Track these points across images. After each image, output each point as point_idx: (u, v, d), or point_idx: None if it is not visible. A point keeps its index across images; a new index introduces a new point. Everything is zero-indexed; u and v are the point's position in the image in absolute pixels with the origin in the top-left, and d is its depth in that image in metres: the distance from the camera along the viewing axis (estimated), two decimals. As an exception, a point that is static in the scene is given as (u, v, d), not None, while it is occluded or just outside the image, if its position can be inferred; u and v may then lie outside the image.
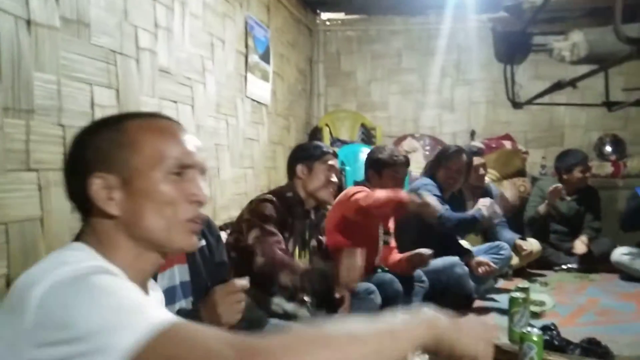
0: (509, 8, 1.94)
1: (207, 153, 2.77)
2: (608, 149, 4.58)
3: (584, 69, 1.85)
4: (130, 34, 2.03)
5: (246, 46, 3.28)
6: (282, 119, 4.16)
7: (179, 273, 1.43)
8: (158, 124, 0.85)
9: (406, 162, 2.70)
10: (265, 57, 3.59)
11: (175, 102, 2.41)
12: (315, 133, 4.82)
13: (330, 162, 2.09)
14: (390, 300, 2.34)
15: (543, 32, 2.23)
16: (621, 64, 1.51)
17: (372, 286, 2.22)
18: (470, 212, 2.93)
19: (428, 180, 3.07)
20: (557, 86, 1.92)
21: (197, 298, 1.46)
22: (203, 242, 1.52)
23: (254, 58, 3.39)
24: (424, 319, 0.76)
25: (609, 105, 2.53)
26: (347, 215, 2.44)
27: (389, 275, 2.46)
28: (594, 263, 3.65)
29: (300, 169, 2.06)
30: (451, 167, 3.05)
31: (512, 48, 2.28)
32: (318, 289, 1.66)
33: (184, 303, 1.44)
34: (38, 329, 0.63)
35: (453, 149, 3.18)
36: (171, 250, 0.87)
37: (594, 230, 3.79)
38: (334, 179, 2.09)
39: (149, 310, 0.65)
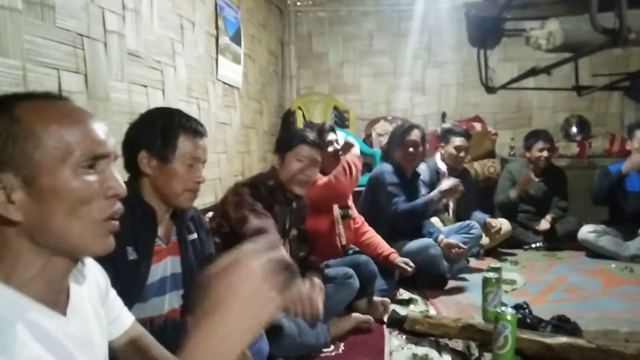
0: (484, -7, 1.95)
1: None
2: (574, 129, 4.71)
3: (553, 53, 1.87)
4: (97, 17, 1.95)
5: (216, 28, 3.20)
6: (255, 102, 4.11)
7: (171, 264, 1.42)
8: (57, 109, 0.72)
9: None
10: (236, 39, 3.52)
11: (145, 86, 2.34)
12: (288, 116, 4.78)
13: (302, 153, 2.02)
14: (366, 281, 2.37)
15: (517, 18, 2.25)
16: (596, 52, 1.54)
17: (350, 271, 2.23)
18: (421, 199, 2.98)
19: (386, 167, 3.07)
20: (532, 72, 1.95)
21: (187, 290, 1.46)
22: (195, 235, 1.52)
23: (224, 40, 3.32)
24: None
25: (579, 89, 2.59)
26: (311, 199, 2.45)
27: (363, 257, 2.48)
28: (560, 241, 3.77)
29: (275, 159, 2.06)
30: (406, 144, 3.04)
31: (486, 33, 2.30)
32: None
33: (174, 294, 1.43)
34: None
35: (405, 126, 3.18)
36: (84, 255, 0.77)
37: (561, 209, 3.90)
38: (304, 170, 2.02)
39: None
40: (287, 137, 2.12)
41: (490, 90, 2.51)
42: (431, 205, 2.94)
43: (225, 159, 3.41)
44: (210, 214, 2.48)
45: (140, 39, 2.28)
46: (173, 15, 2.63)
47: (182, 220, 1.48)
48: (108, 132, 0.76)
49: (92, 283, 0.85)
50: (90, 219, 0.71)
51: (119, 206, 0.75)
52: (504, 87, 2.49)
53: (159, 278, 1.37)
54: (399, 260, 2.63)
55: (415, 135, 3.05)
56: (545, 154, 3.87)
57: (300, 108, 4.72)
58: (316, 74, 5.17)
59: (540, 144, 3.89)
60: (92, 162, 0.71)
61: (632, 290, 2.83)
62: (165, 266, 1.39)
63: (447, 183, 2.99)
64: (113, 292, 0.94)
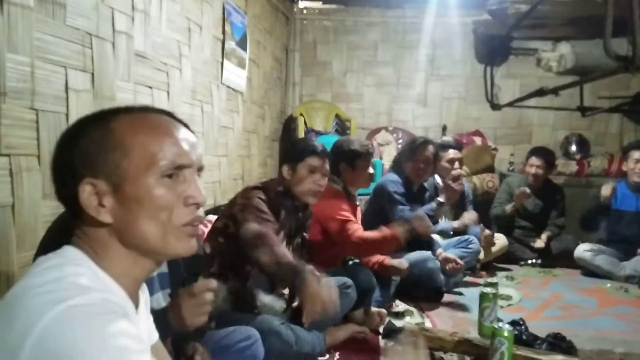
0: (494, 12, 1.95)
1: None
2: (573, 148, 4.73)
3: (557, 73, 1.89)
4: (106, 16, 1.96)
5: (223, 32, 3.21)
6: (257, 107, 4.12)
7: None
8: (147, 121, 0.78)
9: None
10: (241, 44, 3.54)
11: (150, 87, 2.35)
12: (290, 123, 4.79)
13: (313, 165, 2.02)
14: (365, 292, 2.36)
15: (525, 37, 2.26)
16: (606, 77, 1.55)
17: (348, 281, 2.23)
18: (425, 208, 3.01)
19: (393, 177, 3.09)
20: (540, 92, 1.96)
21: (174, 289, 1.44)
22: None
23: (230, 44, 3.33)
24: None
25: (583, 110, 2.60)
26: (328, 229, 2.45)
27: (362, 268, 2.48)
28: (555, 259, 3.78)
29: (285, 170, 2.03)
30: (418, 158, 3.05)
31: (494, 51, 2.31)
32: (288, 284, 1.59)
33: (161, 295, 1.42)
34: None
35: (420, 140, 3.17)
36: (167, 257, 0.83)
37: (557, 227, 3.90)
38: (317, 181, 2.03)
39: None
40: (296, 148, 2.09)
41: (495, 107, 2.52)
42: (434, 215, 2.95)
43: (226, 163, 3.41)
44: (210, 216, 2.48)
45: (148, 40, 2.29)
46: (181, 18, 2.64)
47: None
48: (195, 143, 0.81)
49: (144, 294, 0.91)
50: (171, 223, 0.76)
51: (199, 214, 0.79)
52: (510, 104, 2.50)
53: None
54: (393, 261, 2.63)
55: (429, 151, 3.06)
56: (533, 170, 3.89)
57: (302, 115, 4.73)
58: (319, 81, 5.18)
59: (532, 160, 3.93)
60: (175, 171, 0.76)
61: (627, 311, 2.84)
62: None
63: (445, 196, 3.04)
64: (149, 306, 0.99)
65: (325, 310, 1.57)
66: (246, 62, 3.65)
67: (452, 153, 3.44)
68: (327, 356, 2.09)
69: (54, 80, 1.68)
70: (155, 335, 0.98)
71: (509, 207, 3.83)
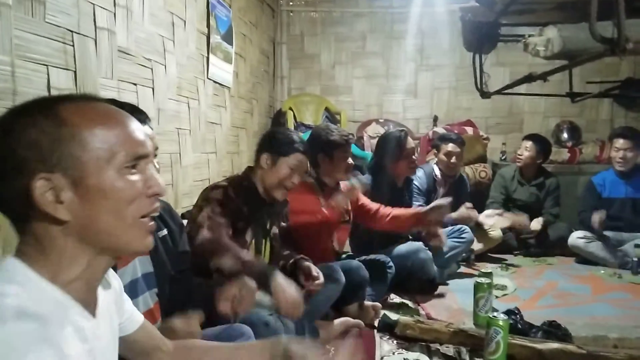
0: (481, -1, 1.94)
1: (168, 137, 2.67)
2: (565, 135, 4.73)
3: (546, 60, 1.86)
4: (87, 13, 1.91)
5: (208, 26, 3.16)
6: (245, 102, 4.08)
7: (140, 265, 1.37)
8: (99, 111, 0.74)
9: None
10: (227, 38, 3.49)
11: (135, 84, 2.30)
12: (279, 117, 4.75)
13: (296, 162, 1.99)
14: (357, 285, 2.35)
15: (513, 24, 2.24)
16: (593, 61, 1.54)
17: (334, 265, 2.22)
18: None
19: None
20: (528, 78, 1.94)
21: (161, 288, 1.43)
22: (165, 232, 1.48)
23: (215, 38, 3.28)
24: None
25: (573, 96, 2.59)
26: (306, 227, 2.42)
27: (355, 262, 2.46)
28: (551, 247, 3.78)
29: (264, 158, 1.98)
30: (408, 153, 2.99)
31: (482, 38, 2.28)
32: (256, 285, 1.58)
33: (148, 295, 1.40)
34: None
35: (396, 134, 3.05)
36: (126, 254, 0.81)
37: (552, 215, 3.91)
38: (294, 179, 2.00)
39: None
40: (282, 140, 2.03)
41: (484, 95, 2.50)
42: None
43: (214, 160, 3.37)
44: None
45: (130, 36, 2.24)
46: (164, 12, 2.59)
47: None
48: (147, 132, 0.80)
49: (110, 287, 0.88)
50: (133, 216, 0.74)
51: (157, 205, 0.78)
52: (499, 92, 2.49)
53: (128, 282, 1.31)
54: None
55: (410, 141, 3.02)
56: (523, 152, 3.93)
57: (291, 109, 4.69)
58: (308, 74, 5.14)
59: (524, 143, 3.99)
60: (135, 162, 0.74)
61: (621, 297, 2.85)
62: (134, 268, 1.35)
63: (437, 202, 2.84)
64: (125, 295, 0.97)
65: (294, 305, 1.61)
66: (232, 56, 3.60)
67: (450, 147, 3.44)
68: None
69: (35, 79, 1.63)
70: (138, 318, 0.98)
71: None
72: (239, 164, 3.87)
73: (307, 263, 2.03)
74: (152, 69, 2.45)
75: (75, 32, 1.83)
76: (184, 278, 1.52)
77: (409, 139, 3.02)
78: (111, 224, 0.72)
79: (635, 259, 3.30)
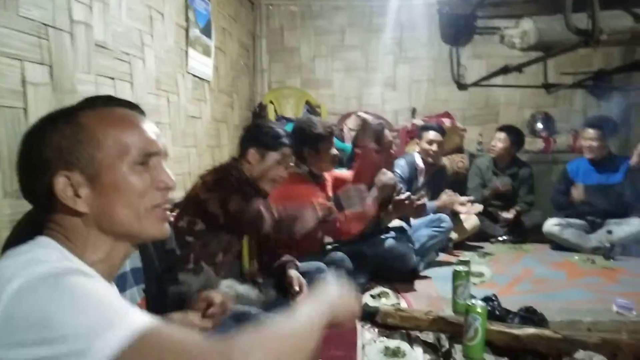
0: (458, -9, 1.96)
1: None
2: (539, 125, 4.82)
3: (521, 52, 1.90)
4: (62, 6, 1.89)
5: (187, 19, 3.14)
6: (226, 95, 4.06)
7: (129, 259, 1.37)
8: (114, 114, 0.83)
9: None
10: (206, 31, 3.47)
11: (112, 78, 2.28)
12: (260, 110, 4.74)
13: (285, 155, 2.02)
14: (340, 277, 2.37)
15: (489, 16, 2.28)
16: (568, 52, 1.58)
17: (322, 265, 2.24)
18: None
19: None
20: (504, 70, 1.98)
21: (148, 284, 1.43)
22: None
23: (194, 32, 3.26)
24: (326, 301, 0.88)
25: (548, 87, 2.64)
26: None
27: (339, 254, 2.49)
28: (527, 234, 3.87)
29: (252, 153, 1.99)
30: (386, 146, 2.92)
31: (459, 30, 2.32)
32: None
33: (135, 290, 1.40)
34: (8, 328, 0.61)
35: (375, 127, 3.01)
36: (143, 239, 0.87)
37: (527, 203, 3.99)
38: (282, 172, 2.03)
39: (129, 313, 0.64)
40: (270, 134, 2.04)
41: (461, 87, 2.54)
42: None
43: (195, 154, 3.36)
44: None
45: (108, 30, 2.22)
46: (142, 6, 2.57)
47: None
48: (158, 132, 0.86)
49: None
50: (145, 208, 0.81)
51: (169, 197, 0.85)
52: (475, 84, 2.53)
53: (116, 275, 1.32)
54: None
55: (389, 134, 3.04)
56: (496, 143, 4.05)
57: (272, 102, 4.68)
58: (288, 68, 5.13)
59: (496, 134, 4.11)
60: (146, 159, 0.82)
61: (594, 282, 2.93)
62: None
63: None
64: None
65: None
66: (212, 50, 3.58)
67: (432, 135, 3.54)
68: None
69: (9, 74, 1.61)
70: None
71: (485, 193, 3.91)
72: (220, 157, 3.86)
73: (292, 273, 2.06)
74: (130, 63, 2.43)
75: (51, 26, 1.81)
76: (170, 276, 1.53)
77: (387, 131, 3.05)
78: (125, 215, 0.80)
79: (608, 245, 3.40)
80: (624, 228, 3.48)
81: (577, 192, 3.63)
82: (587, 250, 3.54)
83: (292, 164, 2.10)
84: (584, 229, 3.65)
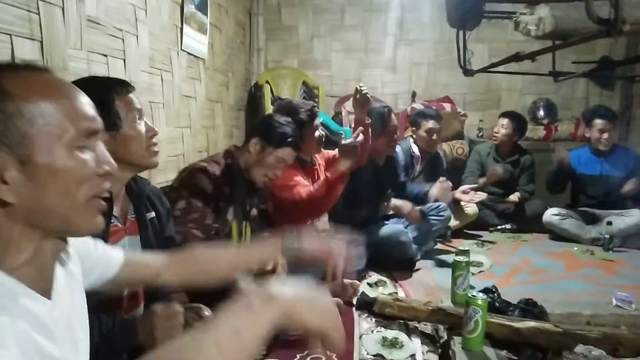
0: (466, -27, 1.88)
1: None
2: (541, 112, 4.76)
3: (528, 37, 1.82)
4: (52, -23, 1.79)
5: (182, -5, 3.03)
6: (221, 74, 3.96)
7: (130, 245, 1.35)
8: (46, 83, 0.69)
9: None
10: (202, 8, 3.35)
11: (105, 55, 2.19)
12: (256, 90, 4.65)
13: (286, 157, 1.97)
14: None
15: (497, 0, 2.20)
16: (587, 42, 1.51)
17: None
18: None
19: None
20: (516, 57, 1.91)
21: None
22: (153, 214, 1.46)
23: (190, 8, 3.15)
24: (266, 302, 0.66)
25: (556, 75, 2.57)
26: (282, 200, 2.36)
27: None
28: (526, 224, 3.83)
29: (254, 143, 1.93)
30: (390, 130, 2.96)
31: (466, 14, 2.23)
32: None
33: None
34: None
35: (381, 110, 2.98)
36: (76, 235, 0.76)
37: (527, 192, 3.95)
38: (278, 172, 1.98)
39: None
40: (279, 131, 1.98)
41: (467, 72, 2.46)
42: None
43: (189, 134, 3.27)
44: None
45: (100, 4, 2.12)
46: (136, -21, 2.46)
47: (140, 198, 1.41)
48: (93, 106, 0.73)
49: (73, 257, 0.83)
50: (83, 197, 0.69)
51: (108, 184, 0.73)
52: (484, 70, 2.45)
53: None
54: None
55: (394, 119, 2.99)
56: (499, 130, 3.97)
57: (268, 82, 4.58)
58: (285, 47, 5.02)
59: (500, 120, 4.01)
60: (86, 139, 0.69)
61: (593, 273, 2.91)
62: (123, 247, 1.32)
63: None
64: (92, 243, 0.95)
65: None
66: (207, 27, 3.47)
67: (430, 124, 3.47)
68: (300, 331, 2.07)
69: (-3, 49, 1.53)
70: (117, 259, 1.00)
71: (481, 181, 3.86)
72: (215, 138, 3.78)
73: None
74: (123, 40, 2.34)
75: (41, 0, 1.71)
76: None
77: (392, 115, 2.99)
78: (61, 206, 0.67)
79: (607, 236, 3.37)
80: (624, 219, 3.45)
81: (560, 154, 3.58)
82: (586, 241, 3.51)
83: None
84: (584, 219, 3.62)
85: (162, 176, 2.81)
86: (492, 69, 2.54)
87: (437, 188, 3.22)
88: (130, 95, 1.34)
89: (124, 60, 2.36)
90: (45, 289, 0.71)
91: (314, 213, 2.45)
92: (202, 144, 3.53)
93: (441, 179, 3.31)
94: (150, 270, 1.05)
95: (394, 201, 3.00)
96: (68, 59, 1.88)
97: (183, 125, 3.18)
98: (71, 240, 0.83)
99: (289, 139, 1.96)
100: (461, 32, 2.39)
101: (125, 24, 2.35)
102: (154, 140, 1.37)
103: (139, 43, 2.51)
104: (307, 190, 2.35)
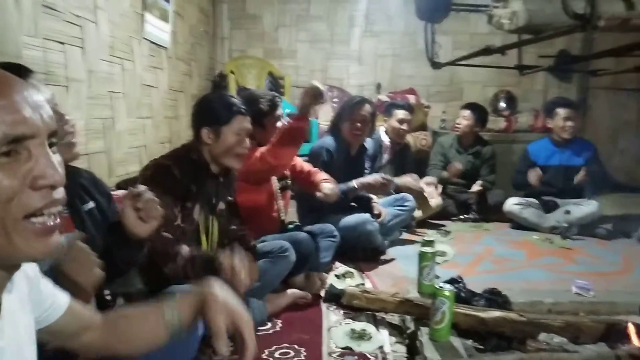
0: (434, -34, 1.87)
1: (100, 102, 2.48)
2: (502, 104, 4.86)
3: (487, 28, 1.83)
4: (3, -41, 1.69)
5: (143, -19, 2.93)
6: (184, 63, 3.87)
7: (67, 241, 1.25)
8: None
9: None
10: (164, -5, 3.26)
11: (62, 43, 2.10)
12: (220, 80, 4.56)
13: (240, 126, 1.84)
14: (304, 257, 2.31)
15: (466, -8, 2.21)
16: (560, 36, 1.53)
17: (285, 244, 2.15)
18: (341, 187, 2.79)
19: (327, 142, 2.99)
20: (486, 51, 1.92)
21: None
22: (91, 204, 1.37)
23: (152, -5, 3.05)
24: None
25: (522, 68, 2.61)
26: (251, 168, 2.29)
27: (302, 234, 2.41)
28: (488, 213, 3.92)
29: (205, 133, 1.81)
30: (355, 118, 2.97)
31: (436, 6, 2.23)
32: (203, 275, 1.51)
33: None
34: None
35: (356, 99, 3.10)
36: (19, 262, 0.62)
37: (488, 182, 4.03)
38: (244, 144, 1.86)
39: None
40: (218, 107, 1.85)
41: (435, 65, 2.47)
42: (349, 194, 2.90)
43: (151, 125, 3.19)
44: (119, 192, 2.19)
45: (56, -12, 2.02)
46: (94, -37, 2.36)
47: (71, 190, 1.31)
48: (39, 102, 0.58)
49: (21, 283, 0.72)
50: (12, 218, 0.55)
51: (56, 197, 0.58)
52: (452, 63, 2.47)
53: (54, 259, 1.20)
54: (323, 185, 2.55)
55: (365, 110, 2.99)
56: (461, 121, 4.04)
57: (232, 72, 4.51)
58: (250, 36, 4.95)
59: (462, 112, 4.08)
60: (13, 146, 0.55)
61: (553, 262, 2.99)
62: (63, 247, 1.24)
63: (371, 178, 2.93)
64: (41, 277, 0.82)
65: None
66: (169, 15, 3.38)
67: (401, 114, 3.54)
68: (269, 324, 2.05)
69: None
70: (61, 303, 0.84)
71: (444, 174, 3.92)
72: (177, 129, 3.70)
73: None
74: (81, 27, 2.25)
75: (-10, -18, 1.62)
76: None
77: (366, 106, 3.00)
78: None
79: (565, 225, 3.48)
80: (582, 208, 3.57)
81: (534, 177, 3.67)
82: (545, 229, 3.61)
83: (249, 134, 1.94)
84: (543, 208, 3.72)
85: (122, 169, 2.73)
86: (460, 62, 2.56)
87: (402, 180, 3.26)
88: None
89: (83, 49, 2.27)
90: None
91: (283, 160, 2.38)
92: (165, 135, 3.45)
93: (413, 175, 3.37)
94: (83, 324, 0.88)
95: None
96: (22, 46, 1.79)
97: (145, 115, 3.09)
98: (28, 266, 0.75)
99: (234, 107, 1.85)
100: (429, 25, 2.39)
101: (83, 11, 2.26)
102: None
103: (98, 30, 2.42)
104: (268, 146, 2.31)
